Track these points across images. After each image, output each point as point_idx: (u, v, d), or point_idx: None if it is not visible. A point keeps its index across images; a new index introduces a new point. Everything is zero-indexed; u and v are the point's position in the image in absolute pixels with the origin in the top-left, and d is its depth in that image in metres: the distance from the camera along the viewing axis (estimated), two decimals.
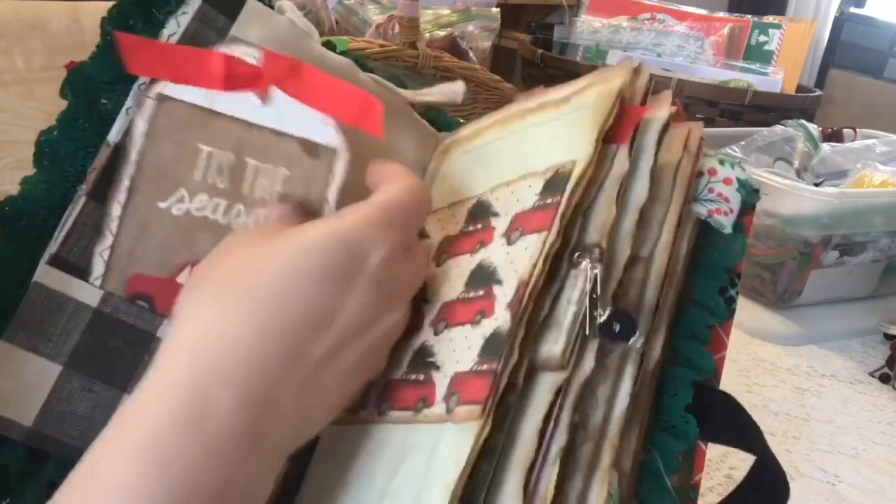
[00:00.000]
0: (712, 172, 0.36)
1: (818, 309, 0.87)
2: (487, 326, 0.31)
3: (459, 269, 0.35)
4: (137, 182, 0.35)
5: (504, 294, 0.31)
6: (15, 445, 0.34)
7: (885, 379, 0.76)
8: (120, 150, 0.35)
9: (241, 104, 0.36)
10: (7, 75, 0.57)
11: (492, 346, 0.30)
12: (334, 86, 0.36)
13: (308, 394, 0.29)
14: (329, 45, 0.40)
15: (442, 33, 1.02)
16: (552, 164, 0.34)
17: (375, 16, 0.98)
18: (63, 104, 0.36)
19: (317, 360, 0.29)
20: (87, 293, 0.34)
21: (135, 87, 0.35)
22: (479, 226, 0.36)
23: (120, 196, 0.35)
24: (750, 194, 0.36)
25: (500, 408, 0.29)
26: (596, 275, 0.30)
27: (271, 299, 0.28)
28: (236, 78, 0.35)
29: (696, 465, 0.35)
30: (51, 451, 0.35)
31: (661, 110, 0.34)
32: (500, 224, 0.35)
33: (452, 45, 0.99)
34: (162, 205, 0.35)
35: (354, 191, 0.36)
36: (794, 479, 0.58)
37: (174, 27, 0.35)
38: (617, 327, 0.30)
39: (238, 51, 0.36)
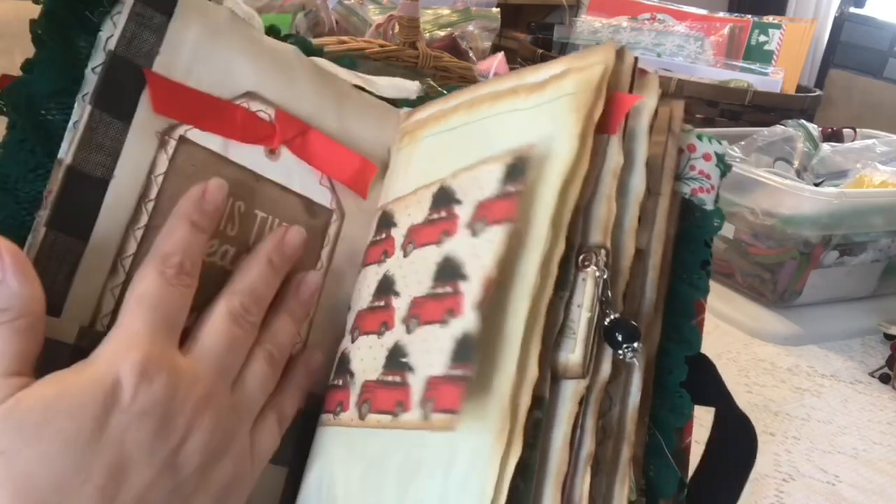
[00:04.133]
0: (692, 149, 0.35)
1: (818, 309, 0.86)
2: (457, 327, 0.30)
3: (426, 262, 0.34)
4: (154, 220, 0.34)
5: (470, 291, 0.30)
6: None
7: (885, 379, 0.76)
8: (93, 182, 0.33)
9: (252, 156, 0.37)
10: None
11: (463, 349, 0.29)
12: (335, 150, 0.39)
13: None
14: (272, 31, 0.39)
15: (442, 33, 1.02)
16: (512, 149, 0.32)
17: (375, 16, 0.98)
18: None
19: None
20: (59, 330, 0.32)
21: (79, 97, 0.33)
22: (443, 213, 0.34)
23: (136, 233, 0.33)
24: (726, 167, 0.36)
25: (529, 423, 0.28)
26: (605, 280, 0.30)
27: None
28: (254, 131, 0.37)
29: (685, 430, 0.36)
30: None
31: (650, 97, 0.33)
32: (463, 212, 0.33)
33: (452, 45, 0.99)
34: None
35: (349, 249, 0.39)
36: (794, 479, 0.58)
37: (111, 29, 0.34)
38: (619, 336, 0.30)
39: (254, 106, 0.37)
